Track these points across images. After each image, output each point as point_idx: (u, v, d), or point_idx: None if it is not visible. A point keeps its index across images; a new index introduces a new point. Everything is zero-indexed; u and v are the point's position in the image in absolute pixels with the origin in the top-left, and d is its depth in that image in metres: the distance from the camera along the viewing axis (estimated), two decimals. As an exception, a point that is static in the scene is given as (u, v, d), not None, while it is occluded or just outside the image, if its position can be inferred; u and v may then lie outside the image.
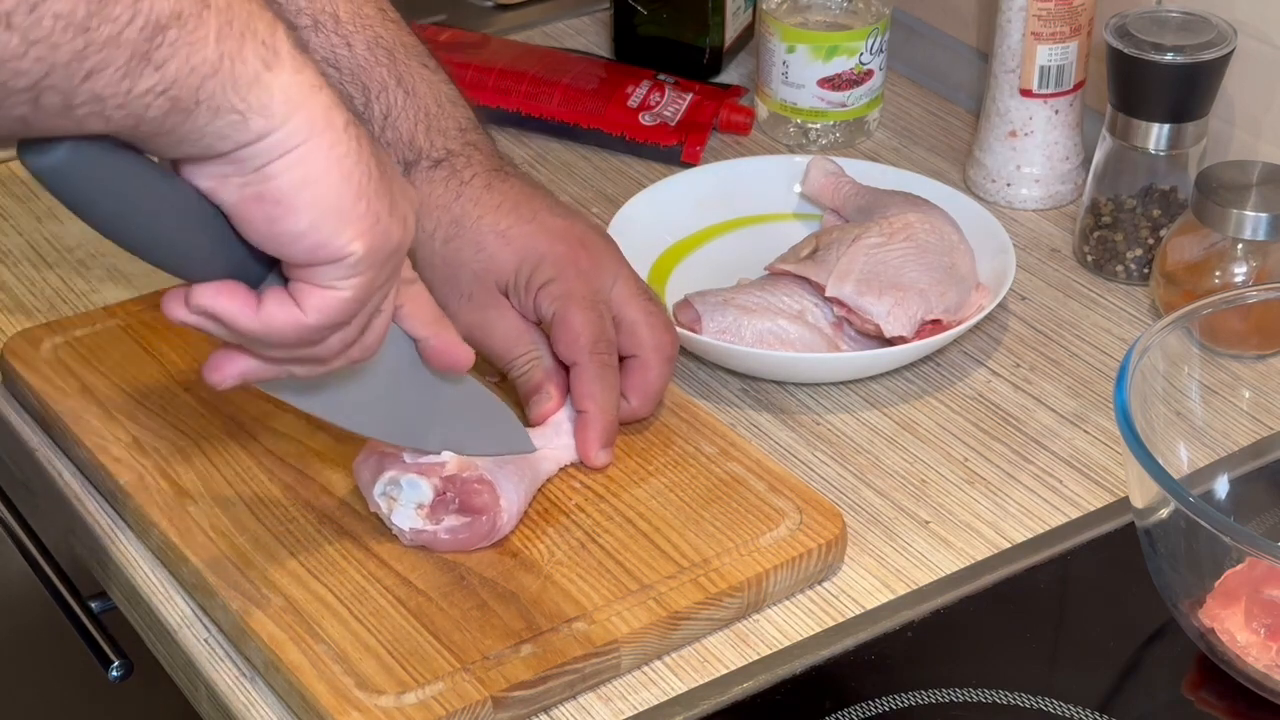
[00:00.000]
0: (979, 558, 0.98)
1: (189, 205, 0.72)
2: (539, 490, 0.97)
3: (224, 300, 0.75)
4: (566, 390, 0.99)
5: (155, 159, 0.72)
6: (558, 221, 1.00)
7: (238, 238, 0.74)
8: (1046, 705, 0.88)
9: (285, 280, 0.76)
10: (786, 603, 0.95)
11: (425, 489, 0.92)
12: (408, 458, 0.93)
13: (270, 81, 0.69)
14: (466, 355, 0.88)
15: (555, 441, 0.98)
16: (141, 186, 0.71)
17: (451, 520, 0.92)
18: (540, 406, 0.99)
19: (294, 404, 0.86)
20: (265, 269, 0.76)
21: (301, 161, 0.71)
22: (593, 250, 1.00)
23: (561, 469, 0.99)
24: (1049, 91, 1.24)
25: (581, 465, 0.99)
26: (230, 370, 0.79)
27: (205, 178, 0.71)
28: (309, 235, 0.73)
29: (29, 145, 0.68)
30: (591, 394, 0.98)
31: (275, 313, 0.75)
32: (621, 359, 1.00)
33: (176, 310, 0.76)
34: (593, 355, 0.98)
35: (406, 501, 0.93)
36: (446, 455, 0.93)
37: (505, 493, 0.93)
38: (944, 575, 0.97)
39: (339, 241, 0.73)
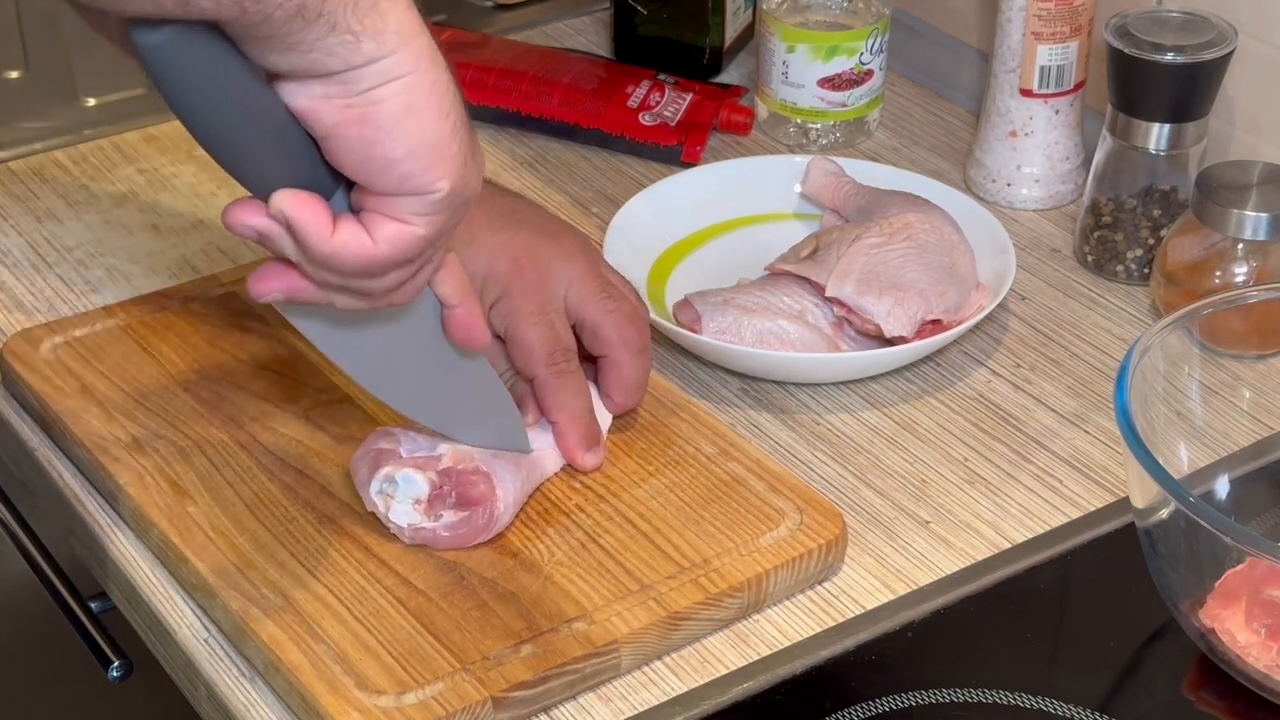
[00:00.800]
0: (979, 558, 0.98)
1: (278, 116, 0.73)
2: (539, 489, 0.97)
3: (308, 211, 0.75)
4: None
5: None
6: (498, 237, 0.99)
7: (318, 161, 0.75)
8: (1046, 705, 0.88)
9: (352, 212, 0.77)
10: (786, 603, 0.95)
11: (421, 484, 0.92)
12: (404, 451, 0.93)
13: (387, 10, 0.71)
14: (485, 334, 0.89)
15: (548, 444, 0.98)
16: (237, 84, 0.72)
17: (449, 515, 0.93)
18: (523, 419, 0.99)
19: (310, 337, 0.86)
20: (332, 198, 0.77)
21: (408, 90, 0.73)
22: (537, 260, 0.99)
23: (564, 468, 0.99)
24: (1049, 91, 1.24)
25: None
26: (278, 283, 0.79)
27: (306, 97, 0.72)
28: (403, 164, 0.74)
29: (139, 22, 0.69)
30: (556, 405, 0.98)
31: (348, 238, 0.76)
32: (596, 358, 1.00)
33: (249, 216, 0.76)
34: (548, 367, 0.98)
35: (403, 498, 0.93)
36: (443, 448, 0.93)
37: (502, 483, 0.93)
38: (944, 575, 0.97)
39: (429, 176, 0.75)
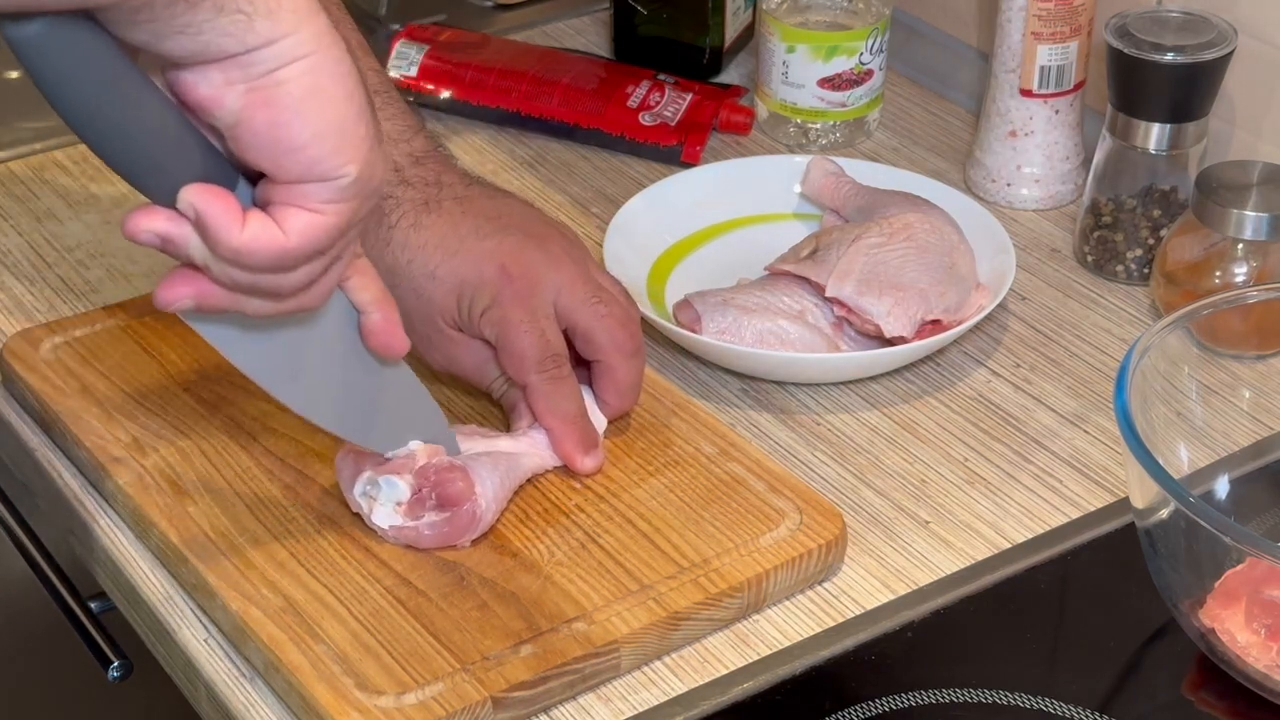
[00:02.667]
0: (979, 558, 0.98)
1: (168, 110, 0.72)
2: (534, 489, 0.97)
3: (218, 204, 0.74)
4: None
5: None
6: (485, 244, 0.98)
7: (214, 156, 0.74)
8: (1046, 705, 0.88)
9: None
10: (786, 603, 0.95)
11: (402, 488, 0.92)
12: (388, 454, 0.93)
13: None
14: (404, 341, 0.88)
15: (540, 448, 0.98)
16: (119, 77, 0.70)
17: (431, 515, 0.93)
18: (518, 423, 0.99)
19: (227, 354, 0.84)
20: (234, 192, 0.75)
21: (312, 71, 0.72)
22: (526, 266, 0.98)
23: (555, 469, 0.99)
24: (1049, 91, 1.24)
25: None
26: (186, 289, 0.78)
27: (207, 85, 0.72)
28: (310, 147, 0.73)
29: (8, 16, 0.68)
30: (549, 410, 0.97)
31: (258, 230, 0.75)
32: (589, 363, 1.00)
33: (151, 221, 0.74)
34: (539, 374, 0.97)
35: (385, 500, 0.93)
36: (414, 444, 0.93)
37: (480, 479, 0.93)
38: (944, 575, 0.97)
39: (337, 160, 0.74)
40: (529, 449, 0.98)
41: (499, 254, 0.98)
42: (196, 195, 0.74)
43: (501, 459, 0.96)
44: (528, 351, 0.97)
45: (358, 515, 0.95)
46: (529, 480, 0.98)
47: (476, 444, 0.96)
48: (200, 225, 0.74)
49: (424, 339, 0.99)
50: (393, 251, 0.98)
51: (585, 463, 0.98)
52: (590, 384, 1.01)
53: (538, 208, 1.05)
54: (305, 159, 0.73)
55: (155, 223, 0.74)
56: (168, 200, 0.74)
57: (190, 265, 0.77)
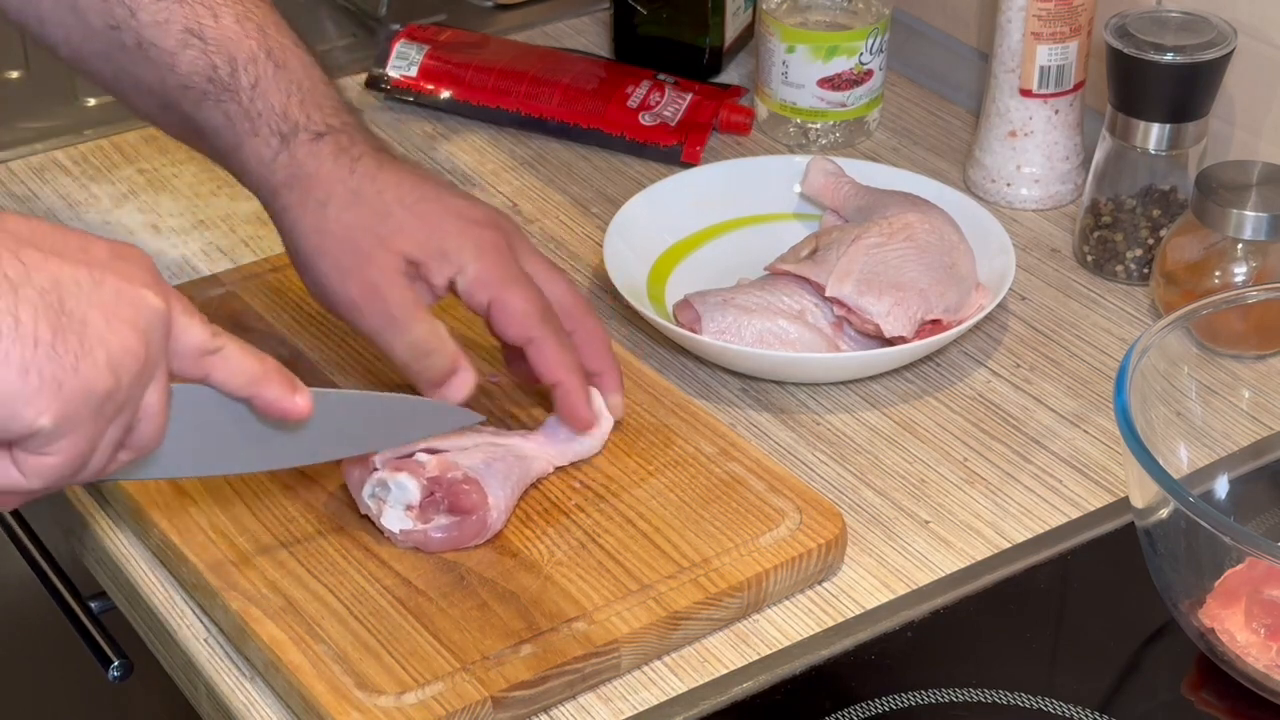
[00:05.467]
0: (979, 558, 0.98)
1: None
2: (534, 489, 0.97)
3: None
4: (475, 364, 0.96)
5: None
6: (460, 202, 0.97)
7: None
8: (1046, 705, 0.88)
9: None
10: (786, 603, 0.95)
11: (413, 490, 0.92)
12: (387, 454, 0.93)
13: None
14: (296, 407, 0.82)
15: (548, 447, 0.98)
16: None
17: (441, 519, 0.93)
18: (462, 383, 0.95)
19: (177, 475, 0.84)
20: None
21: None
22: (501, 229, 0.97)
23: (558, 470, 0.99)
24: (1049, 91, 1.24)
25: (579, 466, 0.99)
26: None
27: None
28: None
29: None
30: (561, 362, 0.96)
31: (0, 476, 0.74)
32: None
33: None
34: (544, 325, 0.96)
35: (395, 502, 0.93)
36: (423, 457, 0.93)
37: (493, 490, 0.93)
38: (944, 575, 0.97)
39: (25, 418, 0.71)
40: (537, 451, 0.98)
41: (476, 214, 0.97)
42: None
43: (514, 467, 0.95)
44: (530, 306, 0.95)
45: (358, 515, 0.95)
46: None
47: (484, 436, 0.96)
48: None
49: (365, 257, 0.94)
50: (358, 179, 0.96)
51: (590, 414, 0.97)
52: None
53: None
54: None
55: None
56: None
57: None
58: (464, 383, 0.95)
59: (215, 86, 0.96)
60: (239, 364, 0.81)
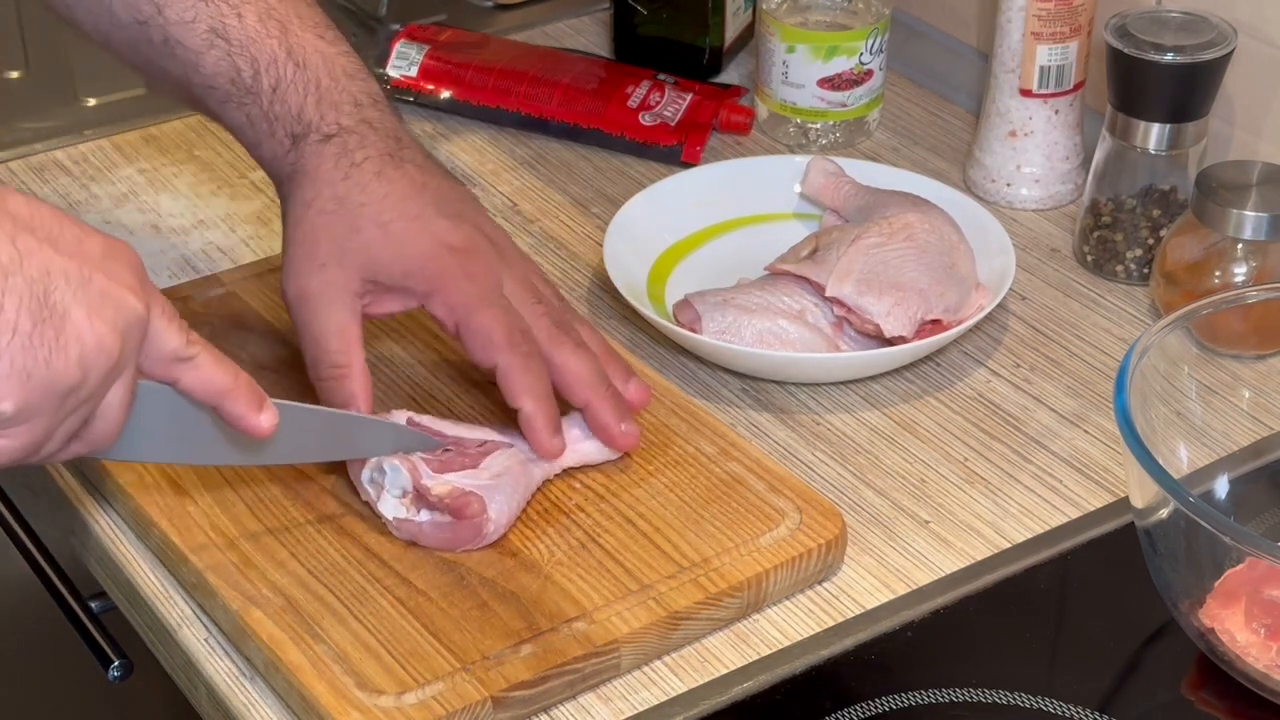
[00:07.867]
0: (979, 558, 0.98)
1: None
2: (537, 492, 0.97)
3: None
4: (371, 401, 0.95)
5: None
6: (443, 223, 0.97)
7: None
8: (1046, 705, 0.88)
9: None
10: (786, 603, 0.95)
11: (405, 474, 0.92)
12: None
13: None
14: (258, 425, 0.83)
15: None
16: None
17: (437, 515, 0.93)
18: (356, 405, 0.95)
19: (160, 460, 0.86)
20: None
21: None
22: (477, 254, 0.97)
23: (559, 472, 0.98)
24: (1049, 91, 1.24)
25: (578, 468, 0.99)
26: None
27: None
28: None
29: None
30: (523, 388, 0.94)
31: None
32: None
33: None
34: (512, 350, 0.94)
35: (391, 486, 0.93)
36: (429, 481, 0.94)
37: (495, 503, 0.93)
38: (944, 575, 0.97)
39: None
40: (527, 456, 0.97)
41: (456, 236, 0.97)
42: None
43: (520, 480, 0.95)
44: (496, 328, 0.94)
45: (359, 515, 0.95)
46: (529, 480, 0.98)
47: (487, 432, 0.97)
48: None
49: (319, 265, 0.95)
50: (348, 186, 0.96)
51: (554, 443, 0.96)
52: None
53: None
54: None
55: None
56: None
57: None
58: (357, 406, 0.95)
59: (238, 89, 0.98)
60: (209, 374, 0.82)
